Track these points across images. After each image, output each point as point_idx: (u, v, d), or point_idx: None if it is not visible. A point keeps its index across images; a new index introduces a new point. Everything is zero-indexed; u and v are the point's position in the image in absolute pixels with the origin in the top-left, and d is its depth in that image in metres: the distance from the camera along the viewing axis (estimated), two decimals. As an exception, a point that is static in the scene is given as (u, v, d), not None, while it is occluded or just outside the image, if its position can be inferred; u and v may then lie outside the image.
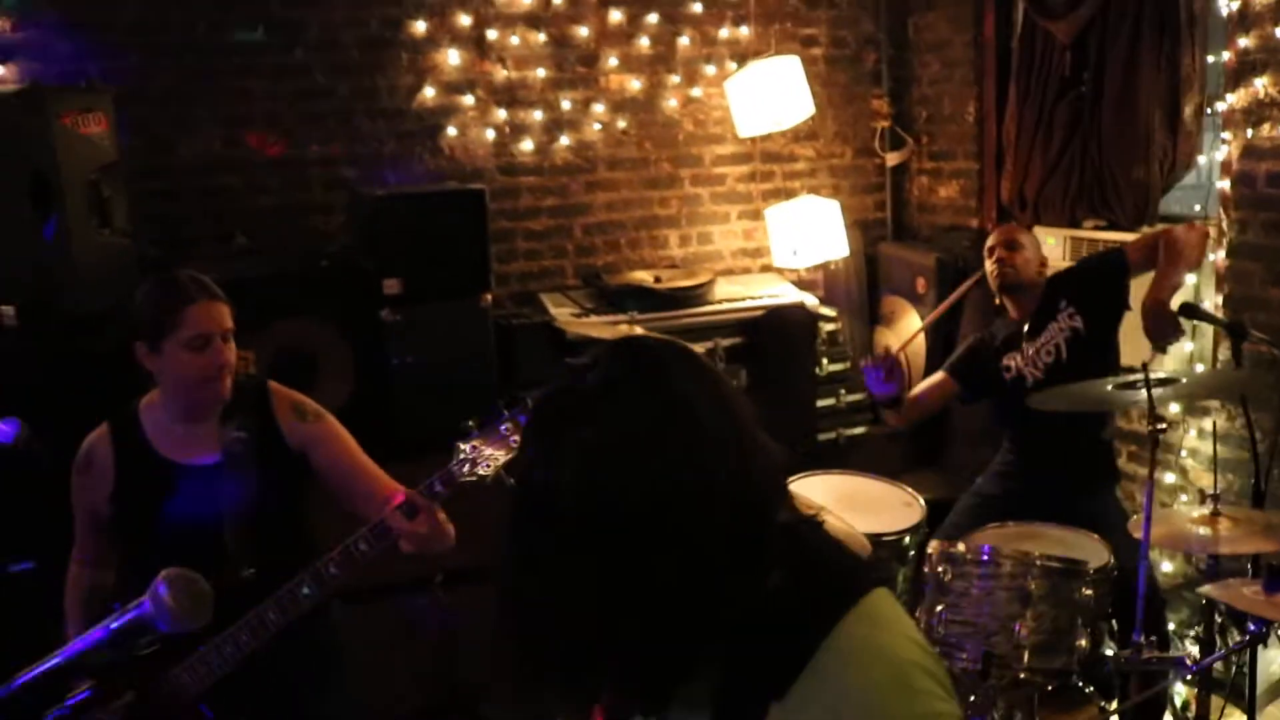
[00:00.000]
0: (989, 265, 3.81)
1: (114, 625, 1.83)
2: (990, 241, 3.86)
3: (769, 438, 1.26)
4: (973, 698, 2.84)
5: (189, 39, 4.36)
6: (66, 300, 3.51)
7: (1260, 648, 3.46)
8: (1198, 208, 4.28)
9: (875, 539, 3.36)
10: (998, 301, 3.92)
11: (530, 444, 1.21)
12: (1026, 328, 3.76)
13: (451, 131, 4.72)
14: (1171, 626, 3.94)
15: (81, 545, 2.73)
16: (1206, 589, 2.69)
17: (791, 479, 3.66)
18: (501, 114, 4.80)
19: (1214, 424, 4.03)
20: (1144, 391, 2.70)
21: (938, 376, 3.99)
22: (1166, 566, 4.24)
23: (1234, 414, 3.83)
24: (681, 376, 1.20)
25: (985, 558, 2.80)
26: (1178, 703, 3.60)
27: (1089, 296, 3.69)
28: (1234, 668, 3.72)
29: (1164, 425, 2.73)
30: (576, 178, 4.98)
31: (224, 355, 2.51)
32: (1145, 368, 2.74)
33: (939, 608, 2.79)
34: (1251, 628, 2.77)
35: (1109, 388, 2.86)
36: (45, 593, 3.37)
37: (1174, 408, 4.23)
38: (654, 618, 1.15)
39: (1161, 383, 2.78)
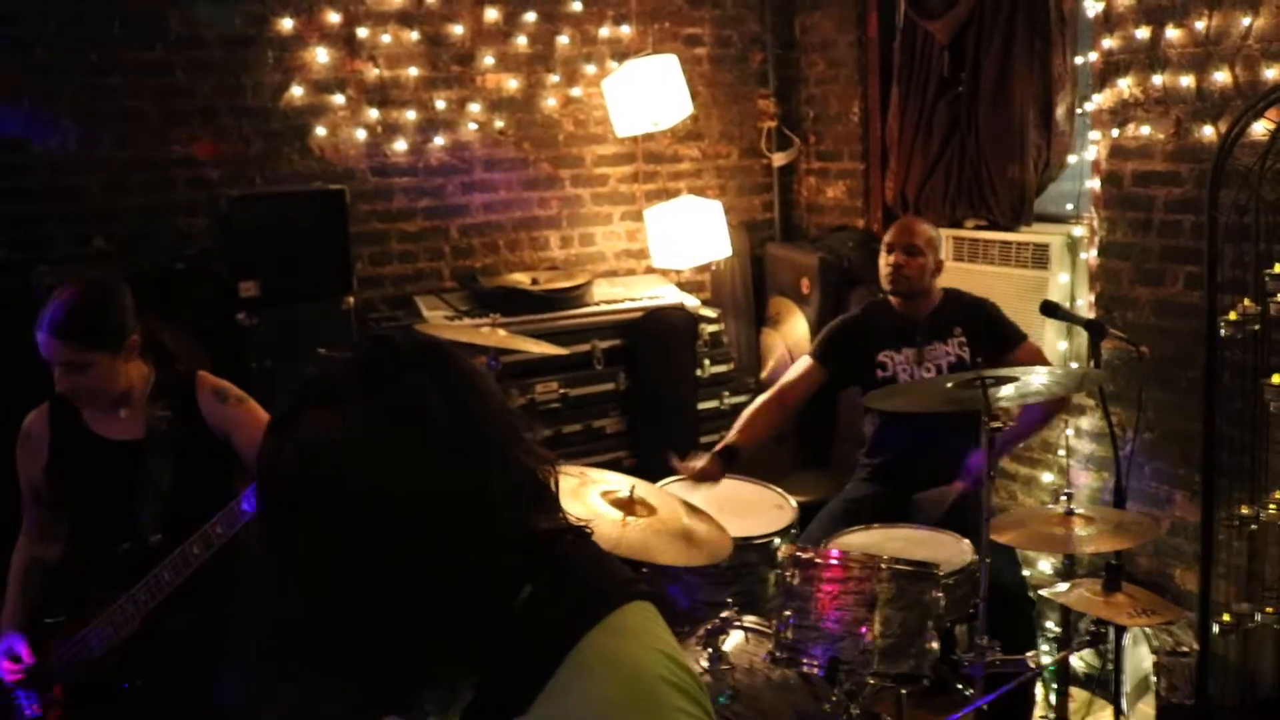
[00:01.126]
0: (883, 262, 3.72)
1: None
2: (889, 238, 3.73)
3: (534, 445, 1.24)
4: (826, 706, 2.79)
5: (42, 34, 4.18)
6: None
7: (1130, 645, 3.50)
8: (1070, 206, 4.29)
9: (745, 542, 3.32)
10: (881, 297, 3.84)
11: (270, 429, 1.17)
12: (912, 332, 3.70)
13: (321, 131, 4.60)
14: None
15: (27, 519, 2.88)
16: (1048, 590, 2.66)
17: (664, 482, 3.60)
18: (373, 114, 4.68)
19: (1068, 424, 4.08)
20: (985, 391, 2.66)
21: (804, 365, 3.87)
22: (1044, 566, 4.24)
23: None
24: (429, 378, 1.16)
25: (834, 561, 2.75)
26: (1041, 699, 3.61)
27: (985, 340, 3.63)
28: (1104, 665, 3.75)
29: (997, 424, 2.70)
30: (452, 178, 4.88)
31: (63, 383, 2.61)
32: (978, 364, 2.71)
33: (787, 613, 2.73)
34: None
35: (948, 385, 2.82)
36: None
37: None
38: (382, 623, 1.13)
39: (1000, 381, 2.75)
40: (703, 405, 4.84)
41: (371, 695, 1.20)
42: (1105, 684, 3.70)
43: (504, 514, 1.16)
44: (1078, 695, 3.79)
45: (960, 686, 3.54)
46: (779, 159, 5.52)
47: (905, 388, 3.20)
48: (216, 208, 4.26)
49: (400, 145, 4.75)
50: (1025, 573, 4.09)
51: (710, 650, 2.84)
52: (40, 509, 2.84)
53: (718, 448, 3.65)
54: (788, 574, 2.78)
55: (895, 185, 4.88)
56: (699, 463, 3.54)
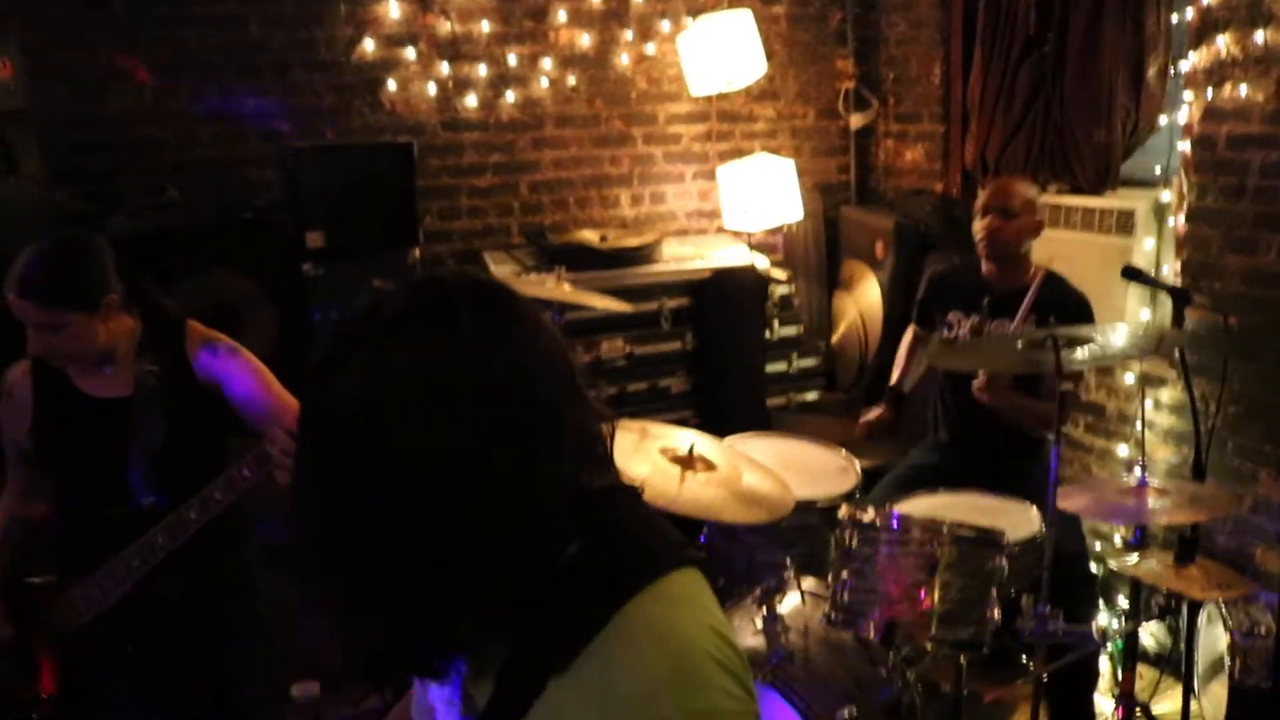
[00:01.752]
0: (977, 225, 3.55)
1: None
2: (983, 199, 3.57)
3: (593, 400, 1.18)
4: (882, 671, 2.74)
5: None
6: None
7: (1204, 624, 3.38)
8: (1157, 170, 4.13)
9: (807, 504, 3.26)
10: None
11: (318, 365, 1.09)
12: (988, 300, 3.54)
13: (392, 86, 4.59)
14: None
15: (11, 476, 2.76)
16: (1116, 562, 2.56)
17: (731, 439, 3.55)
18: (445, 68, 4.66)
19: (1144, 396, 3.93)
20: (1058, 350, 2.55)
21: (909, 336, 3.88)
22: (1118, 540, 4.12)
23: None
24: (487, 324, 1.08)
25: (894, 525, 2.68)
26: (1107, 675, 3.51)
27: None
28: (1175, 644, 3.63)
29: (1068, 385, 2.59)
30: (523, 134, 4.85)
31: (36, 345, 2.46)
32: (1052, 324, 2.61)
33: (844, 574, 2.68)
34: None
35: (1019, 345, 2.72)
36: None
37: (1129, 379, 4.13)
38: (422, 578, 1.05)
39: (1072, 342, 2.64)
40: (770, 368, 4.78)
41: (406, 651, 1.12)
42: (1176, 664, 3.58)
43: (556, 470, 1.09)
44: (1146, 674, 3.67)
45: (1023, 658, 3.48)
46: (856, 120, 5.40)
47: (974, 345, 3.07)
48: (286, 159, 4.28)
49: (471, 101, 4.72)
50: (1096, 546, 3.98)
51: (765, 610, 2.79)
52: (25, 468, 2.71)
53: (889, 389, 3.81)
54: (847, 536, 2.72)
55: (975, 148, 4.75)
56: (875, 412, 3.70)
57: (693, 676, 1.08)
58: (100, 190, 4.23)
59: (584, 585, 1.11)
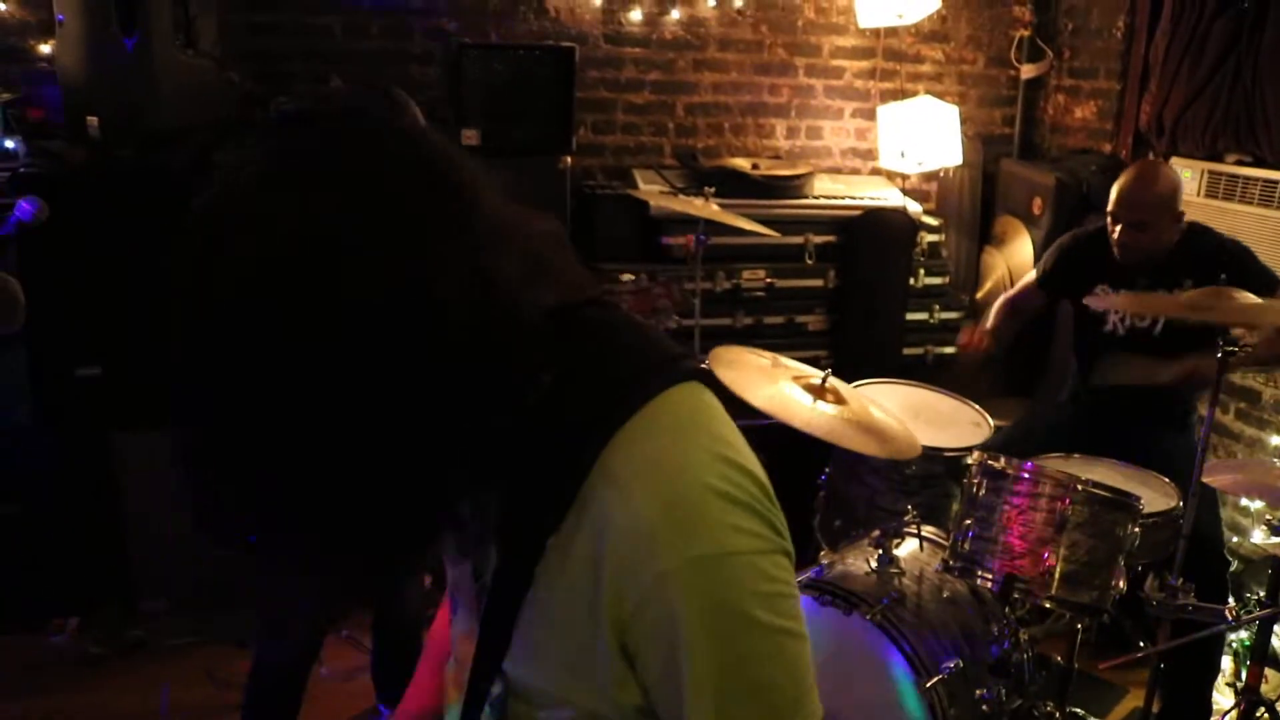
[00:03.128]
0: (1111, 229, 3.36)
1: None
2: (1112, 205, 3.35)
3: (530, 212, 1.02)
4: (994, 628, 2.67)
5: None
6: (146, 115, 3.55)
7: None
8: (1351, 147, 3.88)
9: (934, 452, 3.21)
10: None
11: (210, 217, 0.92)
12: (1135, 275, 3.39)
13: (560, -8, 4.58)
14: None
15: None
16: (1261, 538, 2.44)
17: (861, 383, 3.50)
18: (613, -20, 4.62)
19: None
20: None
21: (1027, 280, 3.74)
22: (1256, 537, 3.93)
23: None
24: (407, 124, 0.98)
25: (1026, 475, 2.60)
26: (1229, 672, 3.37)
27: None
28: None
29: (1233, 347, 2.45)
30: (684, 54, 4.78)
31: None
32: (1222, 281, 2.46)
33: (968, 522, 2.61)
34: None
35: (1185, 295, 2.57)
36: (111, 407, 3.54)
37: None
38: (374, 456, 0.87)
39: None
40: (911, 316, 4.66)
41: (378, 552, 0.96)
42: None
43: (499, 279, 0.90)
44: (1273, 678, 3.52)
45: (1141, 642, 3.37)
46: (1028, 71, 5.19)
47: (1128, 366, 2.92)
48: (450, 53, 4.31)
49: (636, 15, 4.67)
50: (1233, 539, 3.82)
51: (880, 551, 2.75)
52: None
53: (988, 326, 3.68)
54: (975, 483, 2.66)
55: (1152, 110, 4.52)
56: (970, 338, 3.60)
57: (689, 516, 0.93)
58: (269, 72, 4.32)
59: (561, 424, 0.97)
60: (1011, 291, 3.73)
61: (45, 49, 3.94)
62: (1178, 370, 3.22)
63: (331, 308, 0.84)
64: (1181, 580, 2.48)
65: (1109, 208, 3.36)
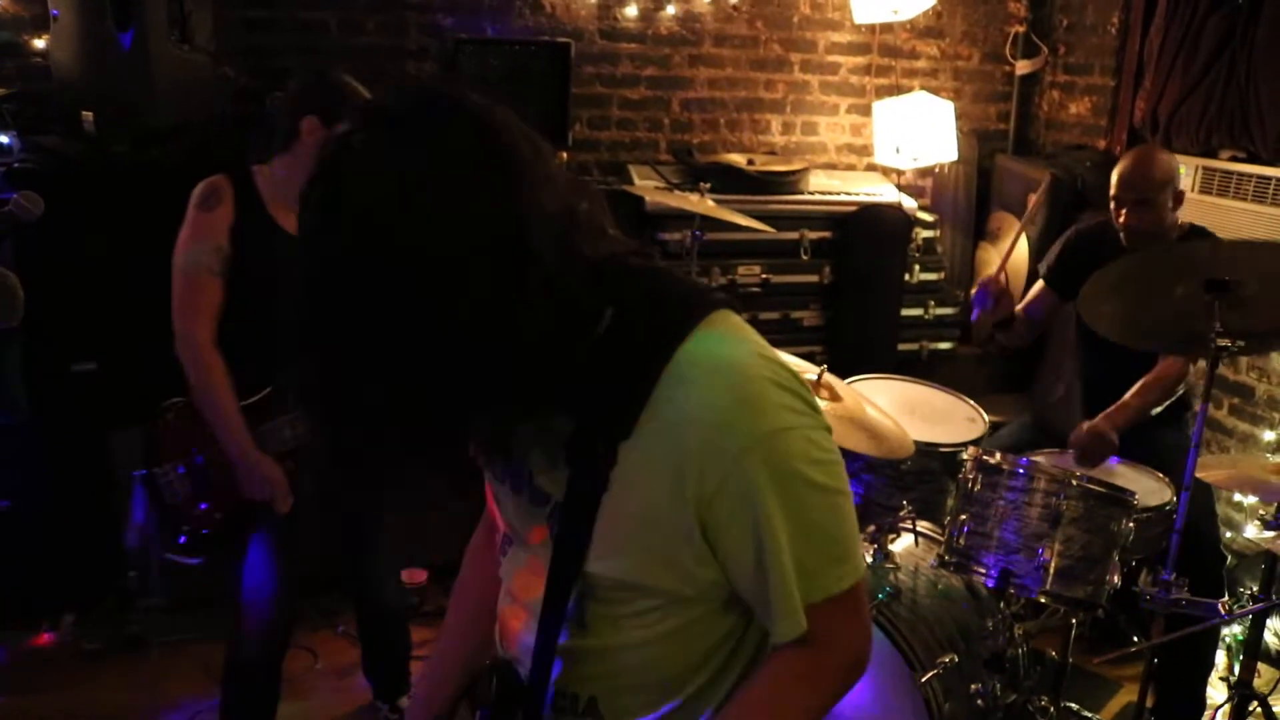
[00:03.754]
0: (1113, 212, 3.36)
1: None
2: (1115, 189, 3.34)
3: (572, 175, 1.21)
4: (989, 623, 2.68)
5: None
6: (142, 111, 3.54)
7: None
8: (1344, 143, 3.89)
9: (929, 448, 3.21)
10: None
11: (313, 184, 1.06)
12: None
13: (554, -13, 4.57)
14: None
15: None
16: (1255, 532, 2.45)
17: (856, 379, 3.51)
18: (608, -26, 4.62)
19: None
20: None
21: (1038, 288, 3.70)
22: (1250, 531, 3.94)
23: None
24: (476, 104, 1.10)
25: (1021, 471, 2.61)
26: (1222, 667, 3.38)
27: None
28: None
29: (1226, 343, 2.46)
30: (680, 50, 4.78)
31: None
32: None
33: (962, 517, 2.62)
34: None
35: (1178, 291, 2.57)
36: (107, 402, 3.54)
37: (1281, 360, 3.94)
38: (461, 371, 1.04)
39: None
40: (906, 311, 4.67)
41: (462, 447, 1.18)
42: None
43: (577, 236, 1.10)
44: (1265, 672, 3.54)
45: (1135, 637, 3.38)
46: (1023, 67, 5.20)
47: (1125, 289, 2.89)
48: (446, 48, 4.31)
49: (631, 10, 4.67)
50: (1226, 534, 3.83)
51: (876, 547, 2.76)
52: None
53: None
54: (970, 478, 2.66)
55: (1147, 105, 4.54)
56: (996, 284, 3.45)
57: (756, 400, 1.11)
58: (265, 67, 4.31)
59: (627, 348, 1.14)
60: (1019, 306, 3.70)
61: (39, 43, 3.93)
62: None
63: (446, 253, 1.00)
64: (1175, 575, 2.48)
65: (1112, 193, 3.36)
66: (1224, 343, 2.42)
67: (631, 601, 1.20)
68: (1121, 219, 3.31)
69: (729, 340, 1.16)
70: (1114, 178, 3.36)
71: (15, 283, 2.05)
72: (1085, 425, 3.19)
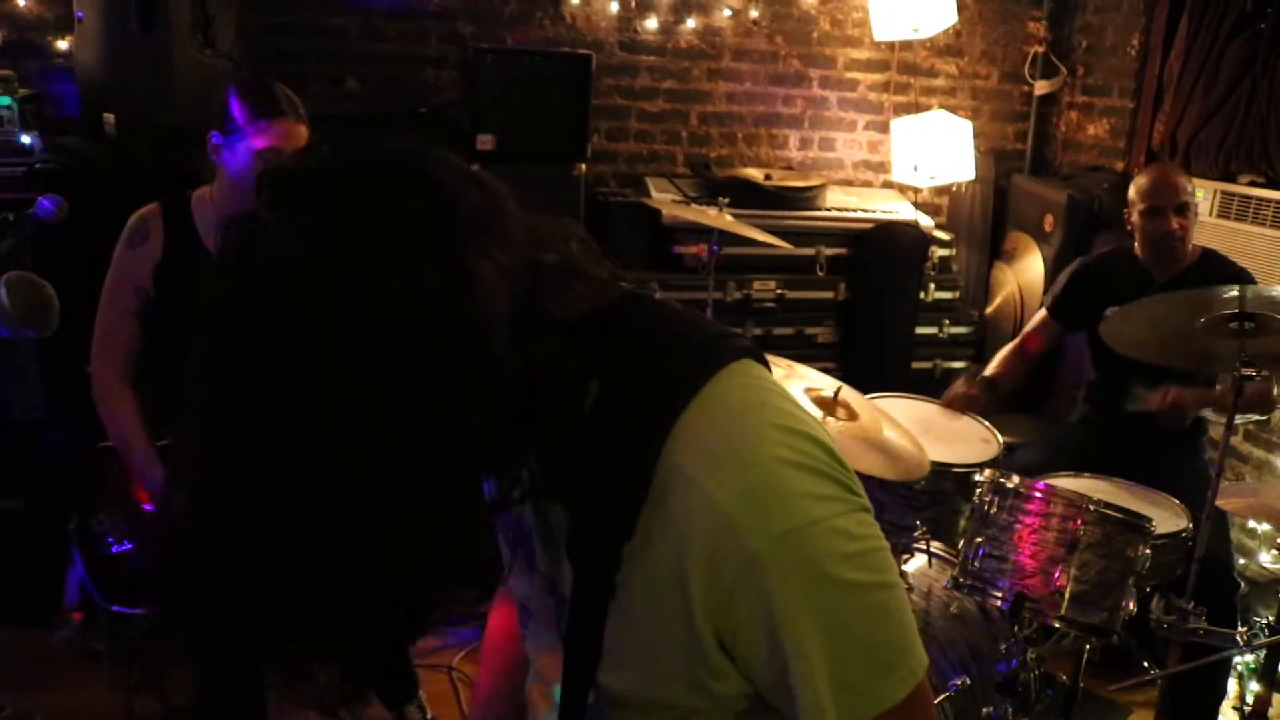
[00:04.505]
0: (1149, 225, 3.32)
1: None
2: (1151, 199, 3.31)
3: (548, 217, 1.02)
4: (1002, 646, 2.67)
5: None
6: (163, 113, 3.55)
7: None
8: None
9: (943, 468, 3.20)
10: (1137, 249, 3.47)
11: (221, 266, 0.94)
12: (1146, 291, 3.30)
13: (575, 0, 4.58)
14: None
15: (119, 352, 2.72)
16: (1269, 558, 2.44)
17: (871, 397, 3.49)
18: (629, -13, 4.63)
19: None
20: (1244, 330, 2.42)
21: (1040, 317, 3.69)
22: (1264, 559, 3.92)
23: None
24: (433, 165, 0.96)
25: (1038, 494, 2.60)
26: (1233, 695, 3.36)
27: None
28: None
29: (1250, 372, 2.45)
30: (699, 63, 4.79)
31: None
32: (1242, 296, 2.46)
33: (978, 539, 2.61)
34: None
35: (1200, 322, 2.56)
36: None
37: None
38: (444, 456, 0.87)
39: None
40: (920, 330, 4.67)
41: (454, 546, 0.93)
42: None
43: (528, 312, 0.91)
44: (1277, 701, 3.52)
45: (1146, 663, 3.36)
46: (1041, 87, 5.20)
47: (1144, 321, 2.89)
48: (466, 62, 4.31)
49: (651, 23, 4.68)
50: (1240, 561, 3.81)
51: (890, 566, 2.74)
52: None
53: (980, 376, 3.61)
54: (986, 501, 2.65)
55: (1166, 128, 4.53)
56: (961, 388, 3.49)
57: (766, 494, 0.93)
58: (286, 73, 4.32)
59: (617, 432, 0.96)
60: (1023, 332, 3.71)
61: (63, 45, 3.95)
62: (1160, 399, 3.23)
63: (380, 343, 0.84)
64: (1192, 604, 2.47)
65: (1145, 205, 3.33)
66: (1249, 371, 2.41)
67: (650, 710, 1.04)
68: (1163, 227, 3.29)
69: (737, 412, 0.97)
70: (1144, 189, 3.35)
71: (52, 293, 2.05)
72: (1172, 391, 3.20)
